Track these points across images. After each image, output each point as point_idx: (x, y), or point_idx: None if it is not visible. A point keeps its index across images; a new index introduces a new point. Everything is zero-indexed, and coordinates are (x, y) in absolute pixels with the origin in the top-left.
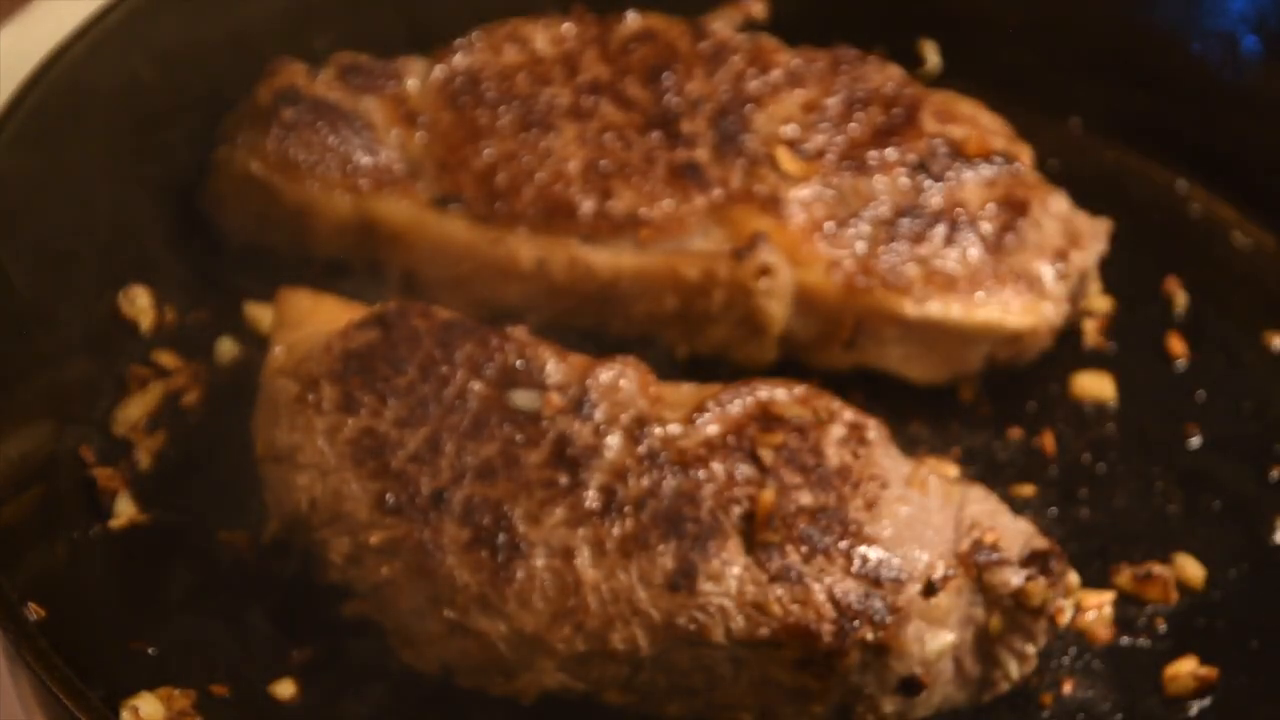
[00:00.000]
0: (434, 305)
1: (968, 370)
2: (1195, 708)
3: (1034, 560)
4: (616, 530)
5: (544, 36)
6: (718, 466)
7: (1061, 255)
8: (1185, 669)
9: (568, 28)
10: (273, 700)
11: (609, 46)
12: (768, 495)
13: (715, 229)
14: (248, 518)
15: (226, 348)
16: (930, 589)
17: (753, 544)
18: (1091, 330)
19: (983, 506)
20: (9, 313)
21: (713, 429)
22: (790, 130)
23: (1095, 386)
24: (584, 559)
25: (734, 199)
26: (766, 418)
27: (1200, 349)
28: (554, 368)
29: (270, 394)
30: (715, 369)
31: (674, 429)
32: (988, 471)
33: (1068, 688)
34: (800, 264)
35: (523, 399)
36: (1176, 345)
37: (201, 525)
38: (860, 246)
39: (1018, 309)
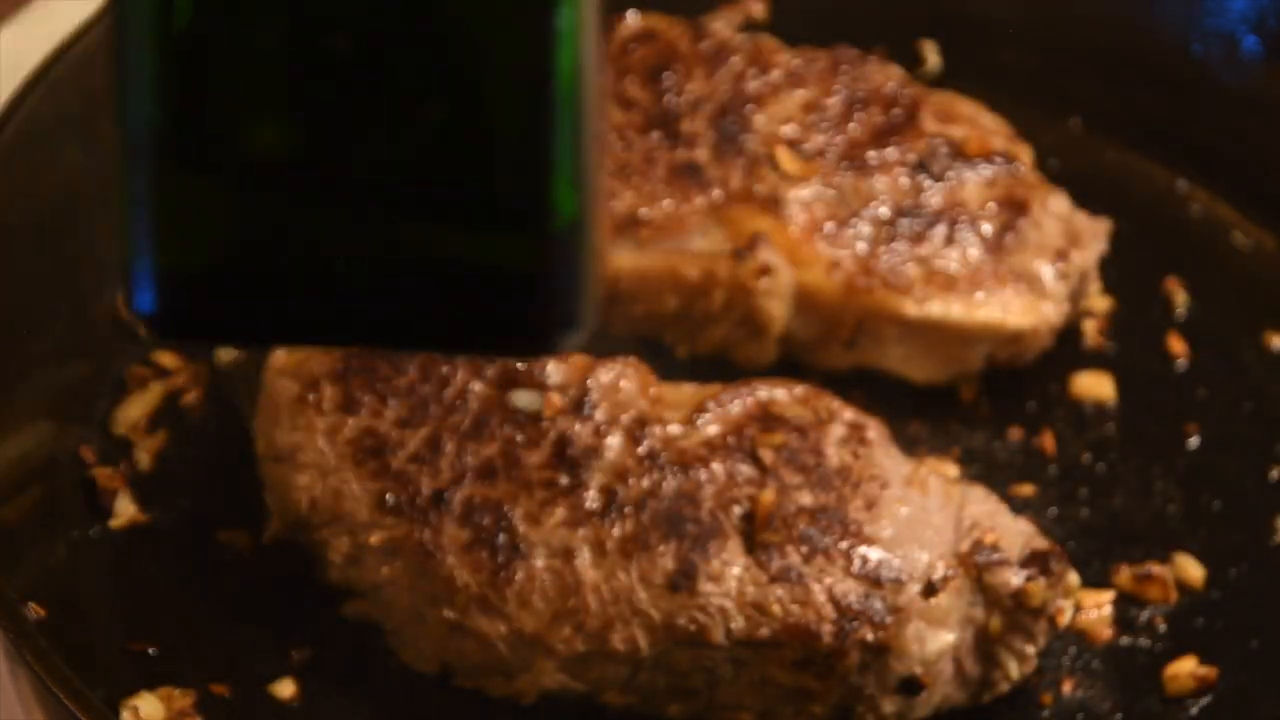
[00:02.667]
0: None
1: (968, 370)
2: (1195, 707)
3: (1034, 560)
4: (617, 531)
5: None
6: (718, 467)
7: (1061, 255)
8: (1185, 669)
9: None
10: (273, 700)
11: (609, 46)
12: (768, 495)
13: (715, 229)
14: (248, 518)
15: (226, 348)
16: (930, 589)
17: (753, 544)
18: (1091, 330)
19: (983, 507)
20: (8, 313)
21: (713, 429)
22: (790, 130)
23: (1095, 386)
24: (584, 559)
25: (734, 199)
26: (766, 418)
27: (1200, 349)
28: (554, 368)
29: (271, 394)
30: (715, 369)
31: (674, 429)
32: (988, 471)
33: (1068, 688)
34: (800, 264)
35: (523, 399)
36: (1176, 345)
37: (201, 525)
38: (860, 246)
39: (1018, 309)
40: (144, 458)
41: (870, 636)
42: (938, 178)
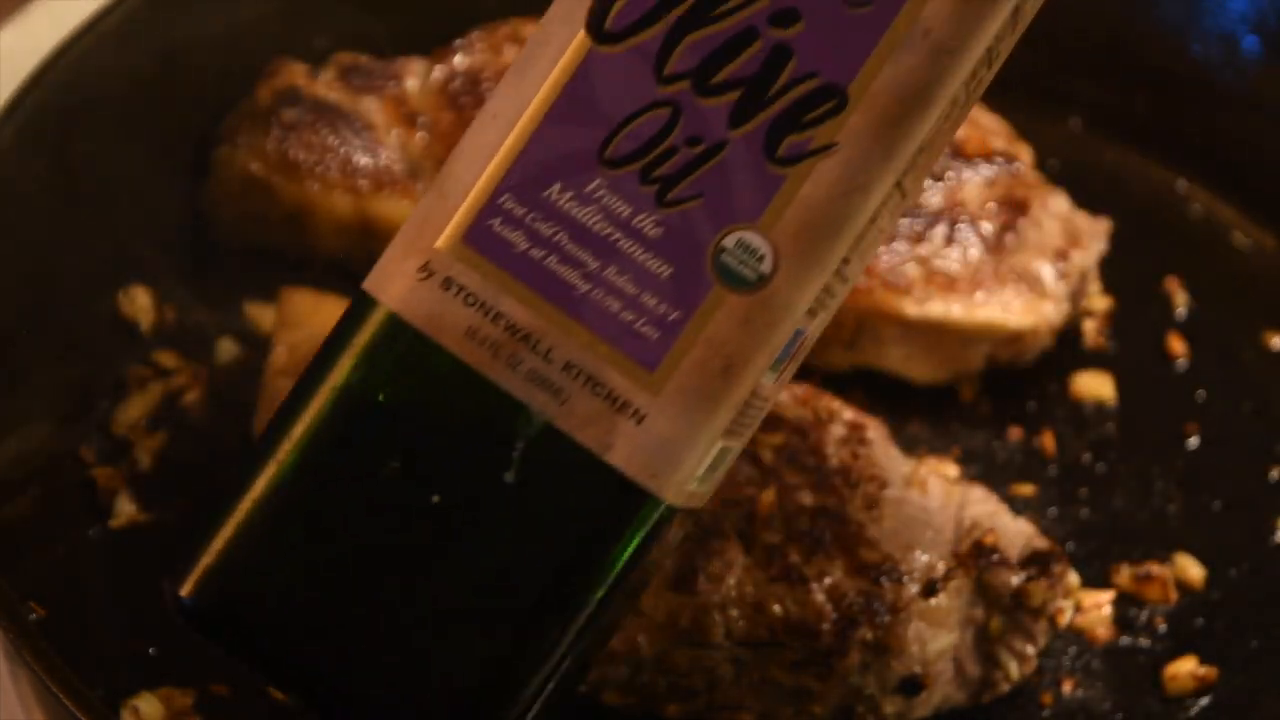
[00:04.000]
0: None
1: (968, 370)
2: (1195, 707)
3: (1034, 560)
4: None
5: None
6: None
7: (1061, 255)
8: (1185, 669)
9: None
10: (273, 700)
11: None
12: (768, 495)
13: None
14: None
15: (226, 348)
16: (930, 589)
17: (753, 544)
18: (1091, 330)
19: (983, 507)
20: (8, 313)
21: None
22: None
23: (1095, 386)
24: None
25: None
26: (766, 418)
27: (1200, 349)
28: None
29: (271, 394)
30: None
31: None
32: (988, 471)
33: (1068, 688)
34: None
35: None
36: (1176, 345)
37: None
38: None
39: (1018, 309)
40: (144, 458)
41: (870, 636)
42: (938, 177)
